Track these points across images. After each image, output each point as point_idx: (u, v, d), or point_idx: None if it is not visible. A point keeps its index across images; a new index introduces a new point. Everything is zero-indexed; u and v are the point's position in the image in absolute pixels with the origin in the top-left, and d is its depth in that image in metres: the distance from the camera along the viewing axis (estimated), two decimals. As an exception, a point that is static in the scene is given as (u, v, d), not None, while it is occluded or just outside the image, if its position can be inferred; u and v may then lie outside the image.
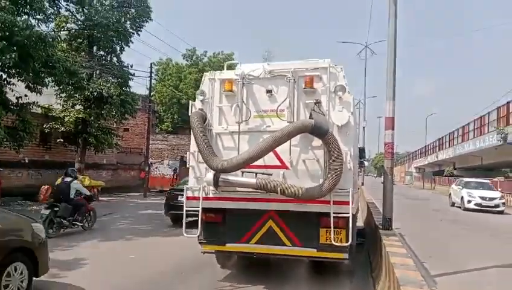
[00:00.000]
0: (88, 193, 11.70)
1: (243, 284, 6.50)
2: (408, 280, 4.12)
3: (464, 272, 7.24)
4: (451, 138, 44.36)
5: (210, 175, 5.87)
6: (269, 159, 5.80)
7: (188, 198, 6.28)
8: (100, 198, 20.45)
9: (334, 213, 5.61)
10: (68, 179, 11.01)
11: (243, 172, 5.86)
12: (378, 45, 49.15)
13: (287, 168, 5.91)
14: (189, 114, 6.18)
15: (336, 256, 5.91)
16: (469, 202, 20.58)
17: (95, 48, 22.19)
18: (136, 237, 10.84)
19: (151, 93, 40.81)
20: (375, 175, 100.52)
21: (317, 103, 5.81)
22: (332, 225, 5.62)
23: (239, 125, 6.08)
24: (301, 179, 5.83)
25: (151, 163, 30.39)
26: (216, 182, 5.84)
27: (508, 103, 27.44)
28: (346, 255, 5.89)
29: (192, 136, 6.10)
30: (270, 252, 6.22)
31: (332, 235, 5.63)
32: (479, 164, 38.22)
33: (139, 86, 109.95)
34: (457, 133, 42.15)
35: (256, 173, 5.82)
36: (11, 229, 5.37)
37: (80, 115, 20.15)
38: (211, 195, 6.15)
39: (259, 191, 5.79)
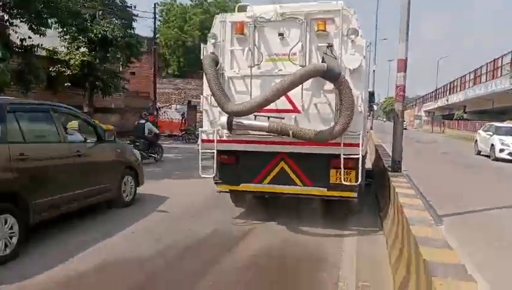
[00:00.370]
0: (158, 132, 15.27)
1: (256, 220, 6.85)
2: (416, 219, 4.16)
3: (470, 213, 7.36)
4: (463, 82, 43.42)
5: (224, 118, 6.00)
6: (281, 103, 5.87)
7: (203, 141, 6.45)
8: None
9: (344, 155, 5.82)
10: (142, 121, 14.55)
11: (255, 116, 5.97)
12: (391, -17, 46.77)
13: (298, 112, 6.01)
14: (201, 57, 6.17)
15: (346, 195, 6.19)
16: (501, 151, 17.36)
17: (96, -14, 21.38)
18: (147, 180, 11.02)
19: (156, 36, 40.06)
20: (384, 119, 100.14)
21: (330, 46, 5.77)
22: (342, 166, 5.84)
23: (251, 70, 6.08)
24: (313, 122, 5.95)
25: (159, 107, 30.41)
26: (230, 125, 5.99)
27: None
28: (355, 194, 6.18)
29: (204, 80, 6.13)
30: (282, 191, 6.47)
31: (342, 176, 5.85)
32: (490, 108, 37.66)
33: (143, 28, 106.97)
34: (469, 76, 41.16)
35: (268, 117, 5.96)
36: (125, 152, 8.04)
37: (85, 58, 19.84)
38: (224, 138, 6.32)
39: (272, 134, 5.96)
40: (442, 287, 2.41)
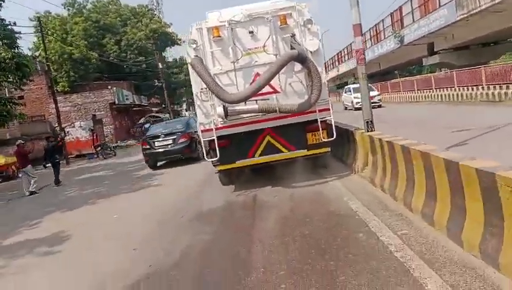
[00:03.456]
0: None
1: (250, 189, 8.01)
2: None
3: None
4: (350, 50, 46.87)
5: (220, 108, 6.98)
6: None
7: (202, 131, 7.51)
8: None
9: (320, 118, 7.32)
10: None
11: (245, 102, 7.01)
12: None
13: (278, 92, 7.26)
14: (187, 61, 7.30)
15: (322, 151, 7.72)
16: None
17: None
18: (98, 200, 10.11)
19: (37, 53, 36.35)
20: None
21: (293, 36, 7.09)
22: (320, 128, 7.33)
23: (234, 64, 7.18)
24: (290, 98, 7.25)
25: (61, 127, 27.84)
26: (226, 113, 6.98)
27: (400, 7, 29.46)
28: (329, 149, 7.78)
29: (193, 79, 7.29)
30: (272, 160, 7.77)
31: (321, 135, 7.39)
32: (377, 70, 41.40)
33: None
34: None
35: (256, 100, 7.03)
36: None
37: (-30, 88, 17.34)
38: (219, 125, 7.36)
39: (258, 114, 7.22)
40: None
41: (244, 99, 6.88)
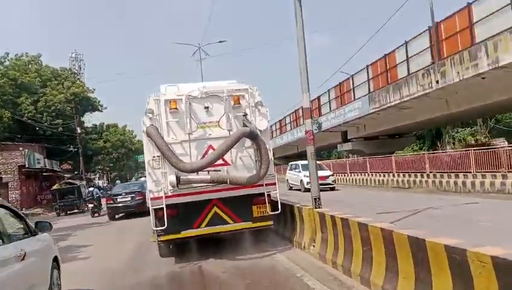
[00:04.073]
0: None
1: (193, 261, 7.89)
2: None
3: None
4: (274, 130, 49.33)
5: (173, 176, 7.27)
6: None
7: (152, 199, 7.62)
8: None
9: (267, 192, 7.92)
10: None
11: (197, 172, 7.38)
12: (218, 46, 50.00)
13: (229, 164, 7.80)
14: (142, 129, 7.60)
15: (266, 224, 8.16)
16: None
17: None
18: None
19: None
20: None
21: (245, 115, 7.85)
22: (267, 201, 7.88)
23: (189, 136, 7.65)
24: (240, 171, 7.81)
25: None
26: (178, 181, 7.29)
27: (319, 96, 32.37)
28: (272, 222, 8.25)
29: (146, 147, 7.67)
30: (217, 231, 7.96)
31: (268, 208, 7.89)
32: (294, 152, 43.77)
33: None
34: (275, 126, 47.19)
35: (208, 171, 7.47)
36: None
37: None
38: (169, 194, 7.53)
39: (207, 184, 7.55)
40: None
41: (200, 169, 7.28)
